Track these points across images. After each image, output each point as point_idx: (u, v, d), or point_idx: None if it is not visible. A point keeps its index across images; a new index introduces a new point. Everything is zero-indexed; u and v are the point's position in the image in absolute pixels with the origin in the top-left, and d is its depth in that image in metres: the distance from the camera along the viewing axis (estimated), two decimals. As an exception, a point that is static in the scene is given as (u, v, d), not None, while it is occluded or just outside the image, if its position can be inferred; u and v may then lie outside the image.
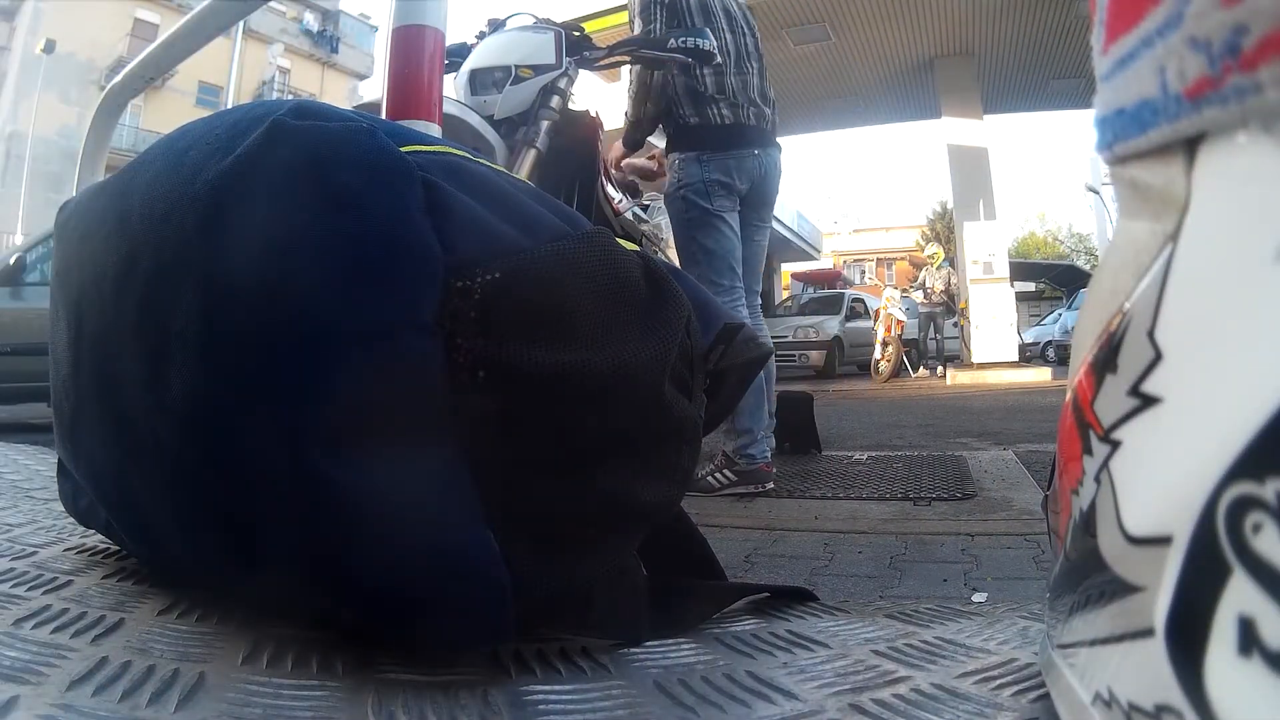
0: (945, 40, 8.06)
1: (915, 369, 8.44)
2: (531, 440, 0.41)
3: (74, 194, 0.71)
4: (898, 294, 8.54)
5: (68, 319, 0.55)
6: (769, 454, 1.88)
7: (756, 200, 1.92)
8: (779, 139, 1.99)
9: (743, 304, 1.86)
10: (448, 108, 1.39)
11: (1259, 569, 0.19)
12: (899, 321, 7.96)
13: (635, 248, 0.48)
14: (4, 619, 0.47)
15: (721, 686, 0.42)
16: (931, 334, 8.52)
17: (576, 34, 1.85)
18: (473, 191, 0.43)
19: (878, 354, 8.01)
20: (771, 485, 1.86)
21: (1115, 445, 0.27)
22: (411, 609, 0.41)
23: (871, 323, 8.88)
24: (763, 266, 2.03)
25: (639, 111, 1.88)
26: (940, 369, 8.00)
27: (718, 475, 1.85)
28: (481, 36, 1.95)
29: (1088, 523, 0.30)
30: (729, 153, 1.84)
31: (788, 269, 16.91)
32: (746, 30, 1.94)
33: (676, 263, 2.39)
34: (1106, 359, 0.28)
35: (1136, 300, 0.27)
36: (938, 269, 8.35)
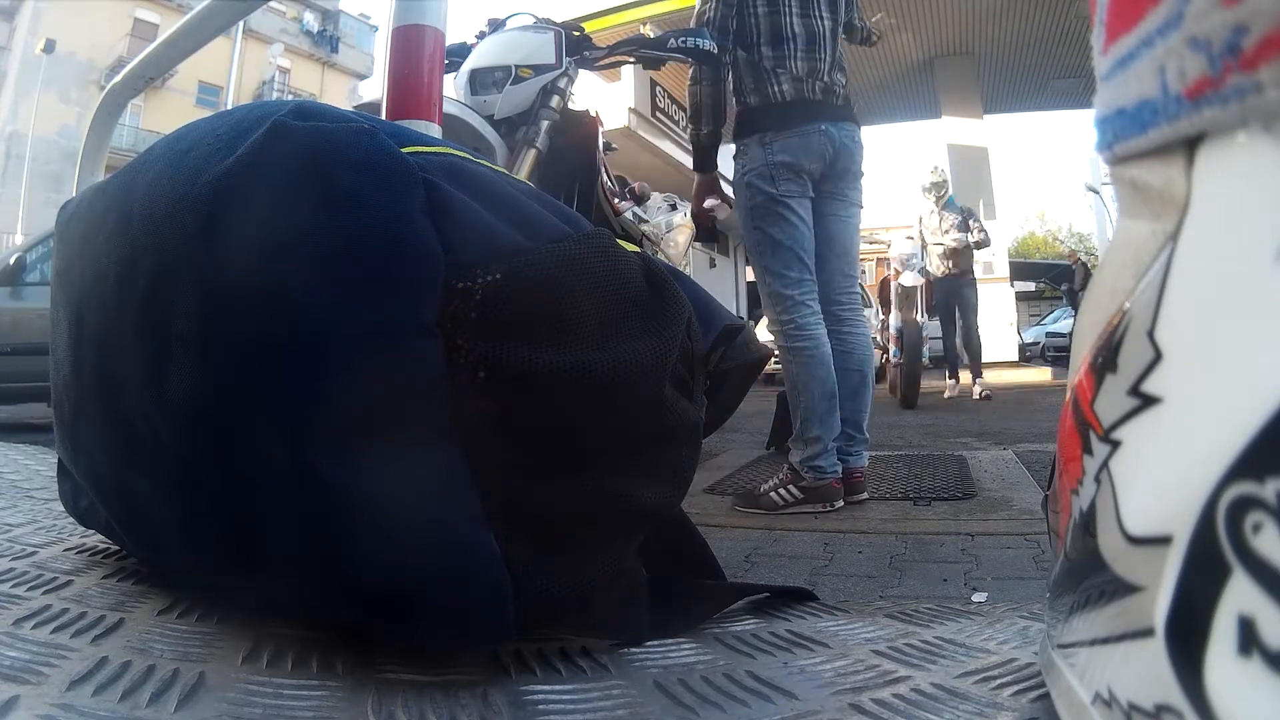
0: (945, 40, 8.07)
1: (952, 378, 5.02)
2: (532, 441, 0.41)
3: (74, 194, 0.71)
4: (911, 248, 4.67)
5: (69, 319, 0.55)
6: (839, 468, 1.65)
7: (835, 175, 1.74)
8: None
9: (812, 297, 1.69)
10: (448, 108, 1.39)
11: (1259, 569, 0.19)
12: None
13: (635, 249, 0.48)
14: (4, 619, 0.47)
15: (721, 686, 0.42)
16: (955, 318, 4.96)
17: (576, 34, 1.85)
18: (473, 192, 0.43)
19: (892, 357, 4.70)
20: (841, 503, 1.64)
21: (1115, 445, 0.27)
22: (411, 609, 0.41)
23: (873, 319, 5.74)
24: (857, 248, 1.83)
25: (696, 130, 1.75)
26: (978, 388, 4.72)
27: (781, 491, 1.63)
28: (481, 36, 1.95)
29: (1088, 523, 0.30)
30: (792, 131, 1.68)
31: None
32: (826, 15, 1.77)
33: (676, 264, 2.39)
34: (1106, 359, 0.28)
35: (1136, 300, 0.27)
36: (943, 209, 4.81)
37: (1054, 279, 17.53)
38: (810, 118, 1.71)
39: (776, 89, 1.72)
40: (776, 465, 1.87)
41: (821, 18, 1.77)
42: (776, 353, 1.73)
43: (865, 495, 1.72)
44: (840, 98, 1.77)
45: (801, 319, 1.65)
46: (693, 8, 1.81)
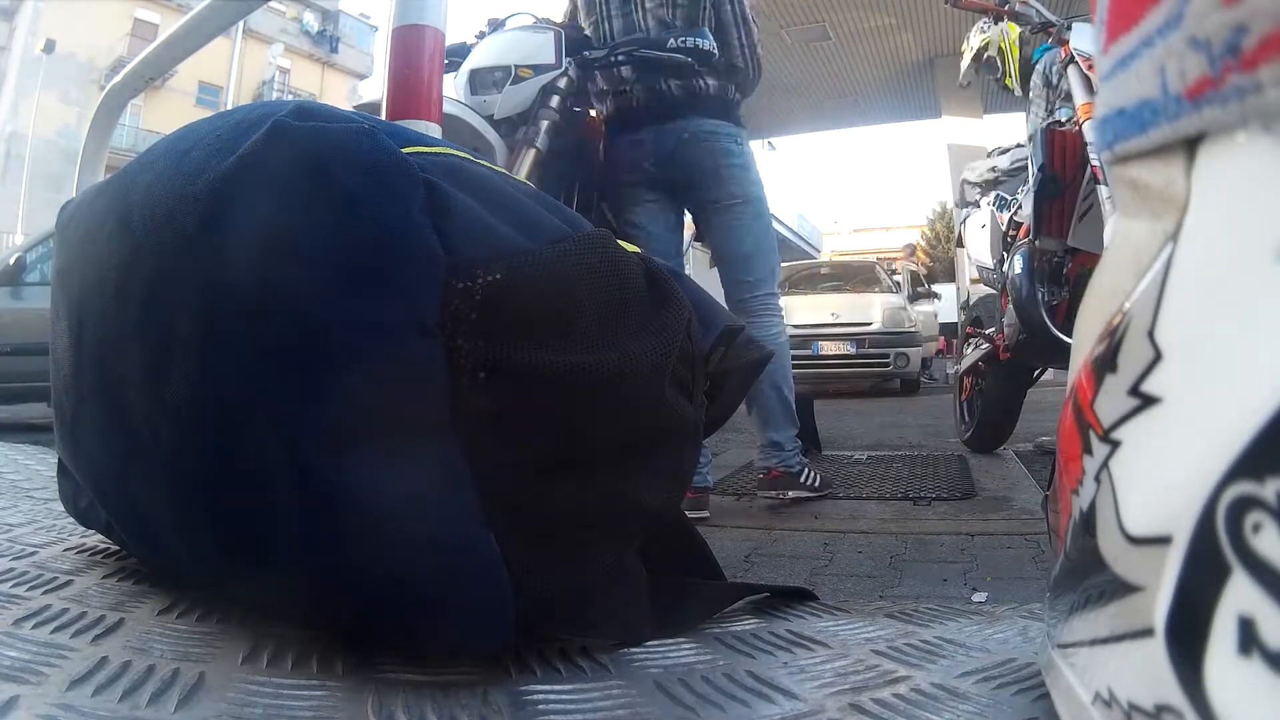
0: (945, 40, 8.06)
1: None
2: (532, 441, 0.41)
3: (74, 194, 0.71)
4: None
5: (69, 319, 0.55)
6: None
7: (685, 182, 1.67)
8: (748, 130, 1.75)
9: None
10: (448, 108, 1.39)
11: (1259, 569, 0.19)
12: None
13: (636, 249, 0.48)
14: (4, 619, 0.47)
15: (721, 686, 0.42)
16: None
17: (576, 34, 1.85)
18: (473, 193, 0.43)
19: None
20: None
21: (1115, 445, 0.27)
22: (411, 610, 0.41)
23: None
24: (751, 247, 1.70)
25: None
26: None
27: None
28: (481, 36, 1.95)
29: (1088, 522, 0.30)
30: (615, 143, 1.71)
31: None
32: (649, 2, 1.69)
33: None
34: (1106, 359, 0.28)
35: (1136, 300, 0.27)
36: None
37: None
38: (626, 128, 1.68)
39: (606, 106, 1.70)
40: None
41: (644, 9, 1.69)
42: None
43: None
44: (667, 95, 1.66)
45: None
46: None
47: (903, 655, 0.46)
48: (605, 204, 1.76)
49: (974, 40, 2.41)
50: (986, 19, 2.24)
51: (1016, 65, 2.17)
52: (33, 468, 1.22)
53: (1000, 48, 2.27)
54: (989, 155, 2.66)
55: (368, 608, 0.42)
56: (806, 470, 1.73)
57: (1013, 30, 2.24)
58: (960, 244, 2.78)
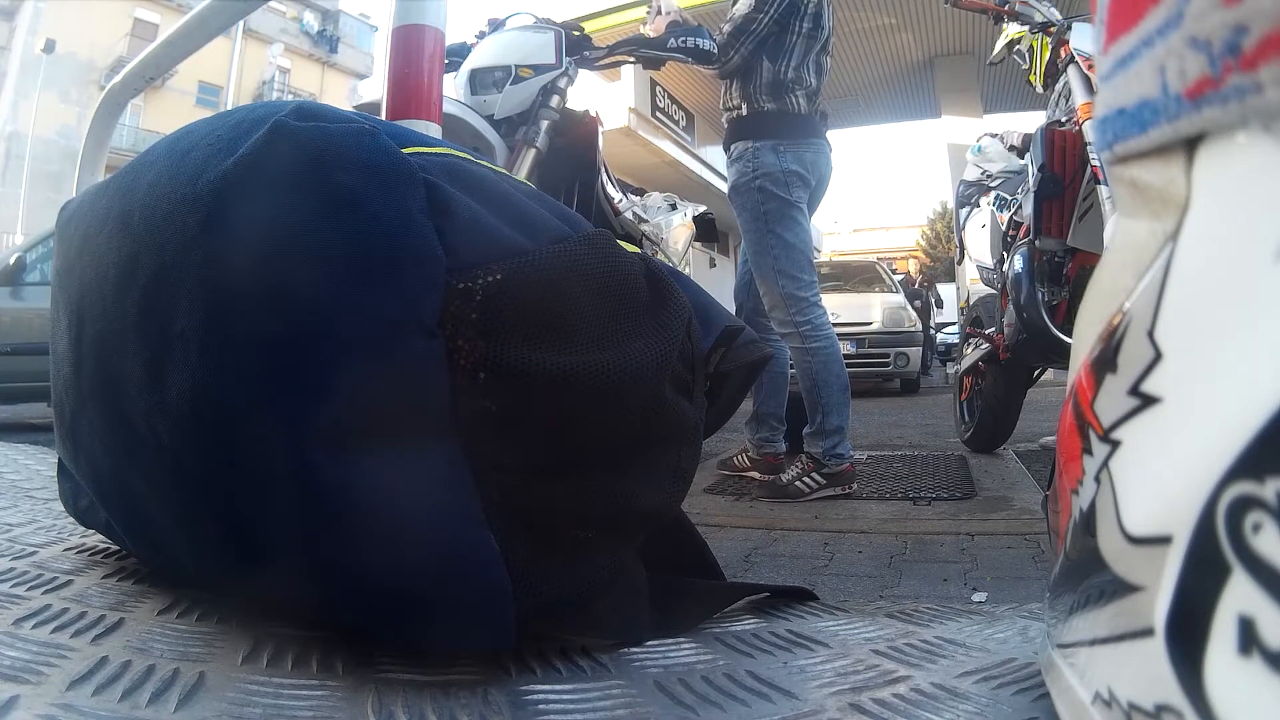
0: (945, 40, 8.06)
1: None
2: (532, 441, 0.41)
3: (74, 194, 0.71)
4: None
5: (69, 319, 0.55)
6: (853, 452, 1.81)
7: (816, 198, 1.86)
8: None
9: (820, 298, 1.76)
10: (448, 108, 1.39)
11: (1259, 569, 0.19)
12: None
13: (636, 249, 0.48)
14: (4, 619, 0.47)
15: (721, 686, 0.42)
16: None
17: (576, 34, 1.85)
18: (474, 193, 0.43)
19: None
20: (855, 485, 1.79)
21: (1115, 445, 0.27)
22: (411, 610, 0.41)
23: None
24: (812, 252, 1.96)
25: (731, 48, 1.75)
26: None
27: (806, 480, 1.75)
28: (481, 36, 1.95)
29: (1088, 522, 0.30)
30: (805, 143, 1.77)
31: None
32: (829, 55, 1.90)
33: (675, 264, 2.38)
34: (1106, 358, 0.28)
35: (1136, 300, 0.27)
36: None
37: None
38: (818, 133, 1.82)
39: (794, 101, 1.79)
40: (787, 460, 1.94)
41: (829, 55, 1.89)
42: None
43: (854, 484, 1.82)
44: (827, 120, 1.90)
45: (817, 319, 1.75)
46: (698, 7, 1.82)
47: (903, 655, 0.46)
48: (798, 207, 1.78)
49: (1009, 29, 2.40)
50: (991, 18, 2.24)
51: (1043, 66, 2.19)
52: (33, 468, 1.22)
53: (1031, 45, 2.28)
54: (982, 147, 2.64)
55: (368, 607, 0.42)
56: (798, 477, 1.80)
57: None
58: (962, 253, 2.76)
